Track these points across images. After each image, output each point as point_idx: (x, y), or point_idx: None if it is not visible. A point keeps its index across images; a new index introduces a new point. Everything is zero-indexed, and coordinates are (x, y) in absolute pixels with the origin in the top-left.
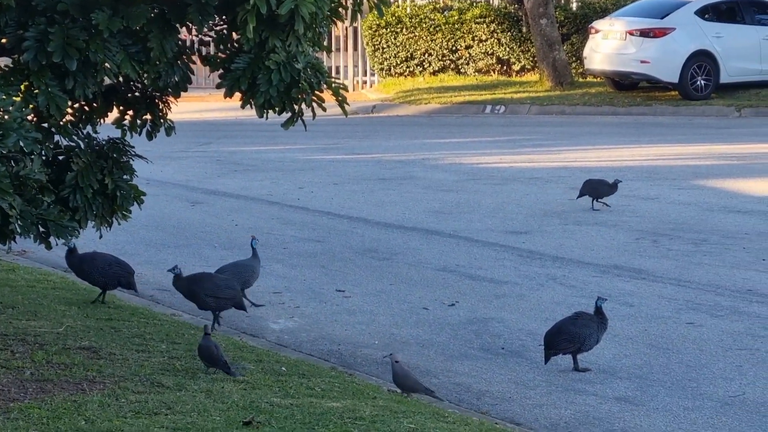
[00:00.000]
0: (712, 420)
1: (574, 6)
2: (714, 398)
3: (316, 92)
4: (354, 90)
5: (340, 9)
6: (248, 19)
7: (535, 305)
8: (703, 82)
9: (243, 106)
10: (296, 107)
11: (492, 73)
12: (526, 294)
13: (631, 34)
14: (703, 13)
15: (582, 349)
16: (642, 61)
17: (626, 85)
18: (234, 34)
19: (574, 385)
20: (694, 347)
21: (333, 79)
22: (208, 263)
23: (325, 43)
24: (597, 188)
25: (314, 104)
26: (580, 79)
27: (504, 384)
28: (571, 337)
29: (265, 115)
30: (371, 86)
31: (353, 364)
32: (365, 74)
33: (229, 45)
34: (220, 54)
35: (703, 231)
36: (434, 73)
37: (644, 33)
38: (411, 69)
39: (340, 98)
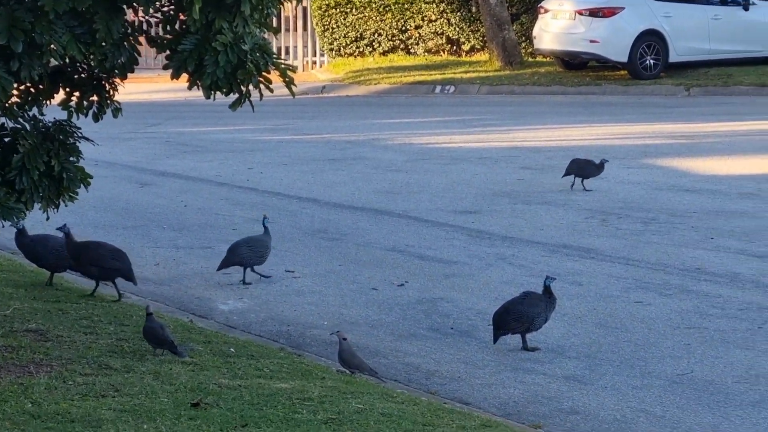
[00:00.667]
0: (661, 398)
1: None
2: (662, 376)
3: (263, 73)
4: (304, 70)
5: None
6: (194, 0)
7: (485, 285)
8: (652, 61)
9: (190, 88)
10: (243, 88)
11: (442, 53)
12: (476, 274)
13: (580, 13)
14: None
15: (531, 328)
16: (591, 41)
17: (576, 64)
18: (181, 15)
19: (522, 364)
20: (642, 326)
21: (280, 60)
22: (156, 244)
23: (274, 24)
24: (584, 168)
25: (261, 85)
26: (530, 59)
27: (453, 364)
28: (519, 316)
29: (212, 96)
30: (321, 66)
31: (302, 345)
32: (315, 54)
33: (176, 26)
34: (166, 35)
35: (652, 210)
36: (384, 53)
37: (593, 12)
38: (361, 49)
39: (287, 79)
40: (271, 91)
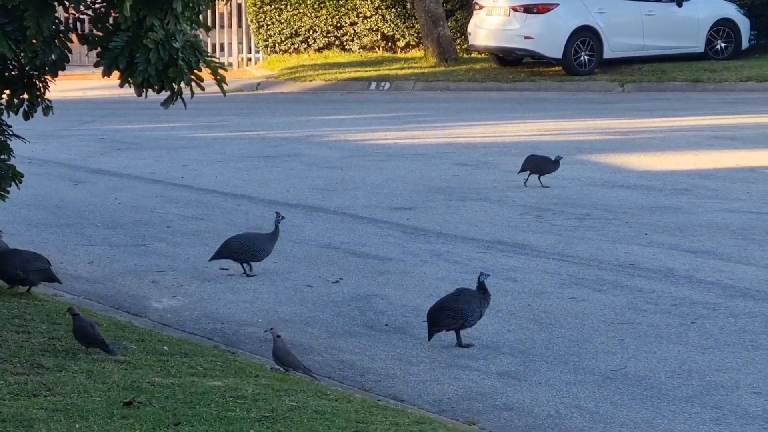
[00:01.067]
0: (594, 394)
1: None
2: (596, 372)
3: (195, 71)
4: (239, 67)
5: None
6: None
7: (419, 282)
8: (586, 57)
9: (121, 85)
10: (175, 86)
11: (377, 49)
12: (410, 270)
13: (515, 10)
14: None
15: (465, 325)
16: (526, 37)
17: (510, 60)
18: (112, 12)
19: (457, 360)
20: (576, 322)
21: (211, 58)
22: (90, 242)
23: (210, 20)
24: (540, 164)
25: (193, 83)
26: (465, 55)
27: (387, 361)
28: (454, 313)
29: (144, 93)
30: (256, 63)
31: (236, 343)
32: (250, 51)
33: (107, 23)
34: (98, 32)
35: (587, 206)
36: (319, 49)
37: (528, 9)
38: (296, 46)
39: (218, 77)
40: (203, 89)
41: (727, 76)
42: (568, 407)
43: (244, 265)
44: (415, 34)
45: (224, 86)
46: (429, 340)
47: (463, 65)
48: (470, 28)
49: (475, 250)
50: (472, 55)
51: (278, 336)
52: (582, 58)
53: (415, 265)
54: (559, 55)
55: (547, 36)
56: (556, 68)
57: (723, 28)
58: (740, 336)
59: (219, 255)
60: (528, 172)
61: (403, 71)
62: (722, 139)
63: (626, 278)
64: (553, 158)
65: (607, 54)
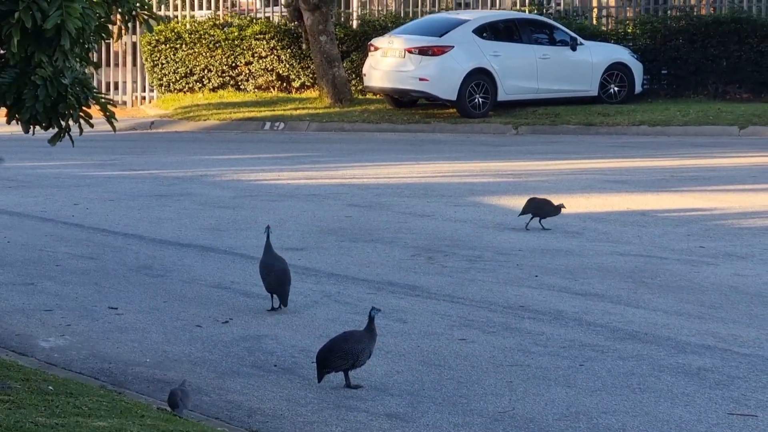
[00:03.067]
0: None
1: (354, 23)
2: (484, 414)
3: (84, 108)
4: (133, 106)
5: (109, 25)
6: (13, 33)
7: (309, 322)
8: (481, 99)
9: (9, 122)
10: (63, 123)
11: (272, 89)
12: (300, 311)
13: (410, 51)
14: (480, 31)
15: (356, 365)
16: (421, 79)
17: (405, 102)
18: None
19: (345, 401)
20: (465, 363)
21: (101, 95)
22: None
23: (104, 58)
24: (542, 207)
25: (81, 120)
26: (360, 96)
27: (275, 401)
28: (344, 354)
29: (31, 130)
30: (150, 102)
31: (124, 383)
32: (144, 90)
33: None
34: None
35: (478, 248)
36: (214, 89)
37: (423, 51)
38: (191, 85)
39: (107, 114)
40: (91, 126)
41: (620, 120)
42: None
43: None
44: (311, 75)
45: (114, 122)
46: (319, 381)
47: (358, 106)
48: (365, 69)
49: (366, 291)
50: (368, 96)
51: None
52: (476, 100)
53: (305, 306)
54: (453, 97)
55: (442, 78)
56: (451, 110)
57: (616, 72)
58: (628, 379)
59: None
60: (530, 215)
61: (298, 112)
62: (614, 182)
63: (516, 320)
64: (555, 203)
65: (502, 97)
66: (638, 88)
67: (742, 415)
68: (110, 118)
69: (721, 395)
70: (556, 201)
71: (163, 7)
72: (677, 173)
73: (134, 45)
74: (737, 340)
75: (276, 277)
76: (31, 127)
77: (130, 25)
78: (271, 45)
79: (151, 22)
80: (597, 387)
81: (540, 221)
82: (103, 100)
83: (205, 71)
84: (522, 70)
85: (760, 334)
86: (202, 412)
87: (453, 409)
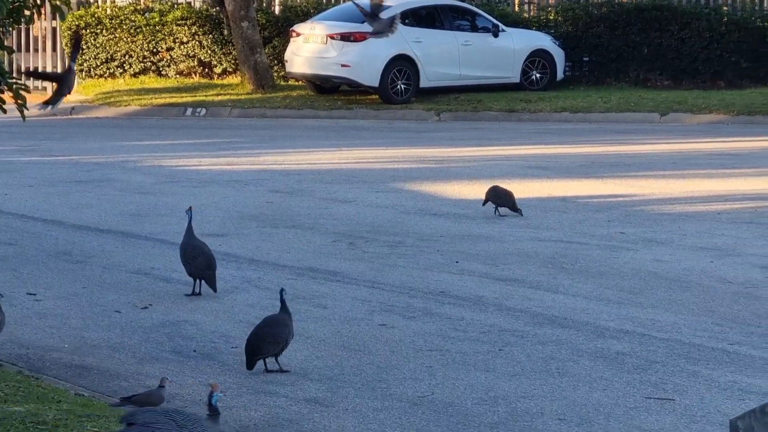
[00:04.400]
0: (400, 420)
1: (276, 9)
2: (403, 398)
3: None
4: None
5: (25, 11)
6: None
7: (229, 308)
8: (403, 86)
9: None
10: None
11: (193, 75)
12: (221, 296)
13: (332, 37)
14: (403, 18)
15: (284, 348)
16: (343, 65)
17: (328, 88)
18: None
19: (265, 386)
20: (385, 348)
21: (14, 80)
22: None
23: (23, 43)
24: (500, 196)
25: None
26: (282, 83)
27: (195, 387)
28: (275, 339)
29: None
30: None
31: (41, 368)
32: None
33: None
34: None
35: (399, 233)
36: (135, 74)
37: (345, 37)
38: (111, 71)
39: (20, 101)
40: (4, 111)
41: (542, 106)
42: None
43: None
44: (233, 61)
45: (25, 111)
46: (250, 369)
47: (280, 92)
48: (287, 55)
49: (287, 277)
50: (290, 82)
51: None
52: (399, 86)
53: (226, 292)
54: (375, 83)
55: (364, 64)
56: (373, 97)
57: (538, 59)
58: (547, 363)
59: None
60: (491, 203)
61: (220, 98)
62: (535, 168)
63: (436, 306)
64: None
65: (424, 83)
66: (560, 75)
67: (659, 399)
68: (21, 106)
69: (639, 379)
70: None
71: None
72: (598, 160)
73: (54, 30)
74: (655, 325)
75: (206, 259)
76: None
77: (48, 10)
78: (193, 31)
79: (63, 8)
80: (516, 372)
81: (496, 209)
82: (16, 86)
83: (126, 57)
84: (444, 56)
85: (678, 319)
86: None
87: (373, 393)
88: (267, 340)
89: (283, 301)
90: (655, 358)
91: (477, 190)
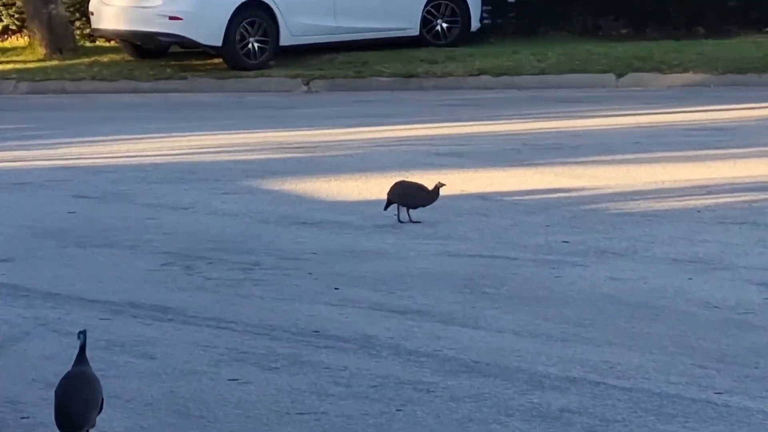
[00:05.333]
0: None
1: None
2: None
3: None
4: None
5: None
6: None
7: (18, 363)
8: (257, 45)
9: None
10: None
11: None
12: (6, 346)
13: None
14: None
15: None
16: (172, 17)
17: (152, 51)
18: None
19: None
20: (238, 413)
21: None
22: None
23: None
24: (409, 194)
25: None
26: (88, 44)
27: None
28: (96, 402)
29: None
30: None
31: None
32: None
33: None
34: None
35: (255, 251)
36: None
37: None
38: None
39: None
40: None
41: (452, 68)
42: None
43: None
44: (17, 16)
45: None
46: None
47: (85, 58)
48: (93, 5)
49: (99, 316)
50: (98, 43)
51: None
52: (251, 45)
53: (13, 340)
54: (218, 42)
55: (201, 15)
56: (216, 61)
57: (445, 2)
58: (464, 427)
59: None
60: (396, 204)
61: (0, 66)
62: (444, 155)
63: (308, 351)
64: (431, 186)
65: (286, 40)
66: (475, 24)
67: None
68: None
69: None
70: (428, 183)
71: None
72: (532, 141)
73: None
74: (614, 370)
75: None
76: None
77: None
78: None
79: None
80: None
81: (408, 212)
82: None
83: None
84: (313, 3)
85: (645, 361)
86: None
87: None
88: (91, 405)
89: (82, 348)
90: (614, 416)
91: (363, 189)
